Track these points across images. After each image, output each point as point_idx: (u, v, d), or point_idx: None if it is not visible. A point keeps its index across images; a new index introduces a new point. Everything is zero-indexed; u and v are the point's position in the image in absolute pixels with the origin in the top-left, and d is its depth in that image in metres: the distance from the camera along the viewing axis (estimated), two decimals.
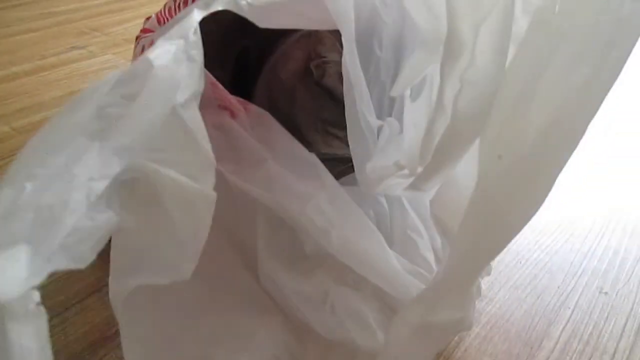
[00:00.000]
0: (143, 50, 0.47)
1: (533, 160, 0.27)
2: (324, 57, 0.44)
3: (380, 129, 0.38)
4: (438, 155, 0.30)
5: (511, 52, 0.27)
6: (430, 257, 0.41)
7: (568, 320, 0.44)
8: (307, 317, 0.38)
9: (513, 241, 0.29)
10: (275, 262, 0.40)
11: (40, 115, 0.75)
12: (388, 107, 0.39)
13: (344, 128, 0.37)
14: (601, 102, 0.26)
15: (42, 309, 0.20)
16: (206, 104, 0.33)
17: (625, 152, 0.67)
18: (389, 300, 0.39)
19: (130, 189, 0.23)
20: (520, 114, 0.26)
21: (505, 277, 0.48)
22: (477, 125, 0.27)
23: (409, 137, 0.34)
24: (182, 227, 0.26)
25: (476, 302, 0.43)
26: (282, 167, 0.40)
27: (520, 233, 0.29)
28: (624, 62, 0.25)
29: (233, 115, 0.42)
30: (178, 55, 0.25)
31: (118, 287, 0.28)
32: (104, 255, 0.25)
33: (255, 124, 0.42)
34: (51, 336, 0.20)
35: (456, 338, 0.42)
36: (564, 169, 0.27)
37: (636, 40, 0.25)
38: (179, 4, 0.44)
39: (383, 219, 0.43)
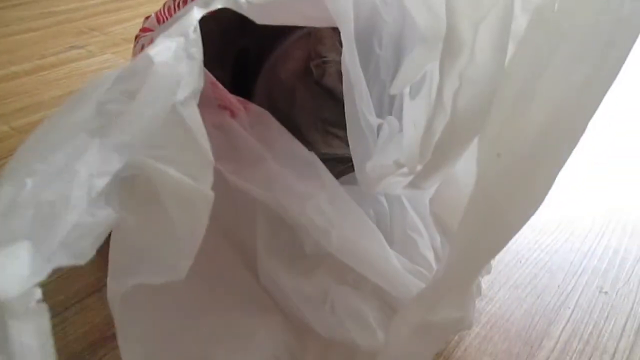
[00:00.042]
0: (142, 49, 0.47)
1: (532, 159, 0.27)
2: (324, 56, 0.44)
3: (380, 127, 0.37)
4: (437, 154, 0.30)
5: (511, 50, 0.27)
6: (430, 256, 0.41)
7: (568, 320, 0.44)
8: (307, 316, 0.38)
9: (513, 240, 0.29)
10: (275, 261, 0.40)
11: (39, 114, 0.75)
12: (388, 105, 0.39)
13: (344, 128, 0.37)
14: (601, 100, 0.26)
15: (44, 306, 0.20)
16: (206, 104, 0.33)
17: (625, 152, 0.67)
18: (389, 299, 0.39)
19: (129, 186, 0.23)
20: (519, 113, 0.26)
21: (505, 277, 0.48)
22: (477, 123, 0.27)
23: (409, 135, 0.34)
24: (179, 226, 0.26)
25: (476, 302, 0.43)
26: (281, 166, 0.40)
27: (520, 232, 0.28)
28: (624, 61, 0.25)
29: (233, 114, 0.42)
30: (178, 53, 0.25)
31: (116, 286, 0.27)
32: (104, 255, 0.25)
33: (255, 123, 0.42)
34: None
35: (456, 337, 0.42)
36: (564, 168, 0.27)
37: (636, 39, 0.25)
38: (179, 3, 0.44)
39: (383, 218, 0.43)
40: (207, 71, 0.38)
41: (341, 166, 0.44)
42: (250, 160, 0.40)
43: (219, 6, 0.30)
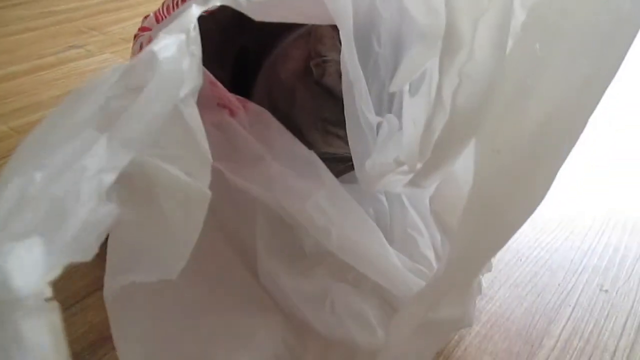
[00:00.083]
0: (141, 48, 0.47)
1: (532, 156, 0.27)
2: (324, 56, 0.43)
3: (379, 125, 0.37)
4: (437, 151, 0.30)
5: (510, 47, 0.27)
6: (430, 255, 0.41)
7: (568, 318, 0.44)
8: (307, 315, 0.38)
9: (513, 239, 0.29)
10: (274, 261, 0.40)
11: (38, 114, 0.75)
12: (387, 103, 0.38)
13: (345, 127, 0.37)
14: (600, 98, 0.26)
15: (55, 303, 0.20)
16: (205, 103, 0.33)
17: (625, 150, 0.67)
18: (389, 298, 0.39)
19: (127, 182, 0.23)
20: (517, 110, 0.26)
21: (505, 275, 0.48)
22: (476, 121, 0.27)
23: (408, 133, 0.34)
24: (175, 224, 0.26)
25: (476, 300, 0.43)
26: (281, 165, 0.40)
27: (520, 230, 0.28)
28: (623, 58, 0.25)
29: (232, 113, 0.42)
30: (181, 49, 0.25)
31: (112, 284, 0.27)
32: (102, 254, 0.25)
33: (254, 122, 0.42)
34: None
35: (456, 336, 0.42)
36: (564, 167, 0.27)
37: (635, 36, 0.25)
38: (177, 2, 0.44)
39: (383, 216, 0.43)
40: (205, 70, 0.38)
41: (341, 165, 0.44)
42: (249, 160, 0.40)
43: (218, 4, 0.30)
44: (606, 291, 0.47)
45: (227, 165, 0.38)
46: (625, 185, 0.60)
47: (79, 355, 0.40)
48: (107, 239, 0.24)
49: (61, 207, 0.21)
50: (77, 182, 0.22)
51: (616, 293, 0.46)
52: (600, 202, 0.58)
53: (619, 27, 0.25)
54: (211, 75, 0.42)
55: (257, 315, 0.38)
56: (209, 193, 0.25)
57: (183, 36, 0.25)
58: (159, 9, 0.48)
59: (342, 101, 0.37)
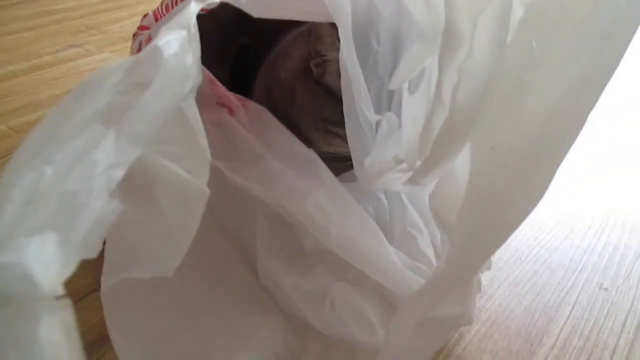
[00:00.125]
0: (140, 46, 0.47)
1: (530, 153, 0.26)
2: (324, 55, 0.43)
3: (378, 123, 0.37)
4: (436, 149, 0.30)
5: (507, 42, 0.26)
6: (430, 253, 0.41)
7: (568, 317, 0.44)
8: (307, 314, 0.38)
9: (512, 237, 0.29)
10: (274, 260, 0.40)
11: (37, 114, 0.75)
12: (387, 101, 0.38)
13: (345, 126, 0.37)
14: (599, 95, 0.26)
15: (68, 301, 0.20)
16: (204, 101, 0.33)
17: (624, 148, 0.67)
18: (389, 296, 0.39)
19: (126, 179, 0.23)
20: (515, 106, 0.26)
21: (504, 274, 0.48)
22: (476, 119, 0.27)
23: (408, 131, 0.34)
24: (173, 221, 0.26)
25: (476, 299, 0.43)
26: (281, 164, 0.40)
27: (520, 229, 0.28)
28: (622, 54, 0.25)
29: (231, 112, 0.42)
30: (184, 45, 0.25)
31: (109, 280, 0.27)
32: (102, 252, 0.25)
33: (253, 121, 0.42)
34: None
35: (456, 335, 0.42)
36: (563, 165, 0.27)
37: (634, 32, 0.25)
38: (176, 0, 0.44)
39: (382, 215, 0.43)
40: (205, 68, 0.38)
41: (341, 164, 0.44)
42: (249, 158, 0.40)
43: (218, 0, 0.30)
44: (606, 289, 0.46)
45: (227, 164, 0.38)
46: (624, 183, 0.60)
47: None
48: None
49: (73, 202, 0.21)
50: (88, 177, 0.21)
51: (616, 291, 0.46)
52: (600, 200, 0.58)
53: (618, 25, 0.25)
54: (210, 74, 0.42)
55: (257, 315, 0.38)
56: (207, 190, 0.25)
57: (184, 32, 0.25)
58: (157, 8, 0.48)
59: (342, 100, 0.37)
